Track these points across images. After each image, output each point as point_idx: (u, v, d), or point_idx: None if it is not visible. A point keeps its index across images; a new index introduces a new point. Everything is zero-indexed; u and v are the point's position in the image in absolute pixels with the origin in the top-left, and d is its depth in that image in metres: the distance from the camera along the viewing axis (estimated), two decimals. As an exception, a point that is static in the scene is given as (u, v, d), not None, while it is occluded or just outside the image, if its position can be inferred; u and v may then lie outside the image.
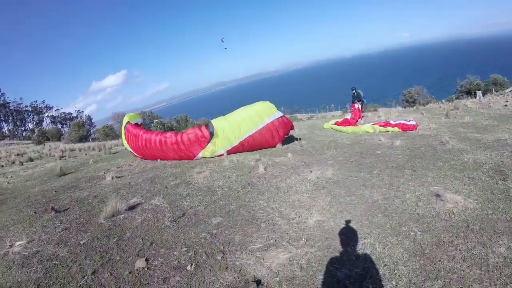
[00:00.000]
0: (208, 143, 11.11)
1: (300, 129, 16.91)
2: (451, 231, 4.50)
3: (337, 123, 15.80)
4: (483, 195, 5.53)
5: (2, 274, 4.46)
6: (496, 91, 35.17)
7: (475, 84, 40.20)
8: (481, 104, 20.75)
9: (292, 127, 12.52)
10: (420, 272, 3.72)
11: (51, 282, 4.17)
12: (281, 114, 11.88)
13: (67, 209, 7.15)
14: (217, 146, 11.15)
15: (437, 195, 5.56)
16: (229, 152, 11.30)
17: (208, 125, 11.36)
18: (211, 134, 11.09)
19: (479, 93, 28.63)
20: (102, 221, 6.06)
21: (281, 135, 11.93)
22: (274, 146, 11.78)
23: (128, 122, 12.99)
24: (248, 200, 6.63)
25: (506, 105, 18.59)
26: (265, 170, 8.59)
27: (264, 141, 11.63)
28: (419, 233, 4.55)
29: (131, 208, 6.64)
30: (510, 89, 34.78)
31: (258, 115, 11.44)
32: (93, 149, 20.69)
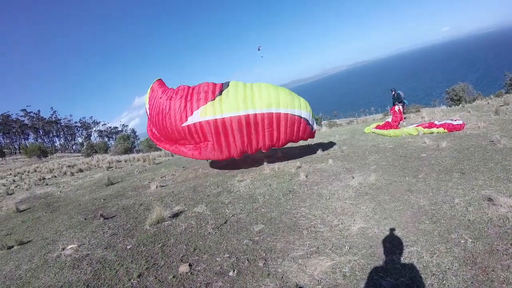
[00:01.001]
0: (214, 99, 9.77)
1: (340, 134, 16.67)
2: (506, 238, 4.22)
3: (378, 127, 15.40)
4: None
5: (55, 275, 4.83)
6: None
7: None
8: (534, 98, 19.40)
9: (311, 135, 11.62)
10: (472, 282, 3.53)
11: (100, 283, 4.42)
12: (305, 115, 10.73)
13: (115, 216, 7.58)
14: (219, 107, 9.70)
15: (489, 199, 5.24)
16: (239, 123, 9.83)
17: (225, 83, 10.28)
18: (221, 92, 9.88)
19: None
20: (148, 228, 6.34)
21: (301, 135, 10.97)
22: (296, 141, 11.12)
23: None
24: (289, 207, 6.62)
25: None
26: (306, 177, 8.56)
27: (286, 132, 10.44)
28: (470, 240, 4.31)
29: (175, 215, 6.89)
30: None
31: (283, 100, 10.17)
32: (138, 160, 21.60)
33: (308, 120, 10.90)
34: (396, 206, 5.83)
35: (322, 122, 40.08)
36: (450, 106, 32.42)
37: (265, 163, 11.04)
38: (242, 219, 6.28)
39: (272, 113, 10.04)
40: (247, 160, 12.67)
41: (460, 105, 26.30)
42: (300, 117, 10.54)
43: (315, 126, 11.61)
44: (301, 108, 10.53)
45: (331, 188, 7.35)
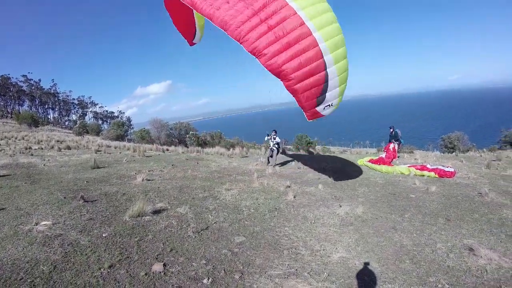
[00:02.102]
0: None
1: (333, 162, 16.69)
2: (482, 290, 4.24)
3: (371, 161, 15.47)
4: None
5: (23, 248, 4.67)
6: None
7: None
8: (526, 157, 19.68)
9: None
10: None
11: (68, 267, 4.30)
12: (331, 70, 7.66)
13: (95, 200, 7.42)
14: None
15: (471, 249, 5.30)
16: None
17: None
18: None
19: None
20: (127, 219, 6.21)
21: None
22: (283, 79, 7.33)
23: None
24: (273, 224, 6.59)
25: None
26: (294, 197, 8.55)
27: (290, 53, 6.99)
28: (447, 286, 4.33)
29: (157, 212, 6.78)
30: None
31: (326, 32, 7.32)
32: (128, 149, 21.25)
33: (327, 76, 7.60)
34: (379, 241, 5.84)
35: (316, 147, 40.23)
36: (443, 153, 32.73)
37: (255, 177, 11.02)
38: (224, 228, 6.21)
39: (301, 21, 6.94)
40: (237, 171, 12.63)
41: (454, 153, 26.60)
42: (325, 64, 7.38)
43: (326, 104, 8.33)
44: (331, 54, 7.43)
45: (317, 213, 7.35)
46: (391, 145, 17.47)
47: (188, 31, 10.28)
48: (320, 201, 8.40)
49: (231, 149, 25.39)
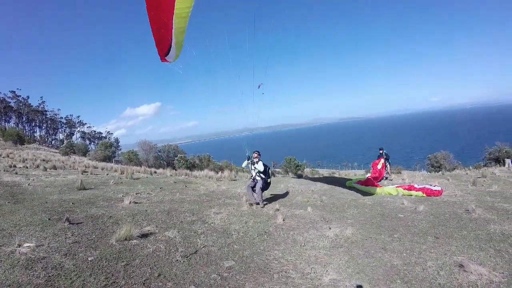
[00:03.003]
0: None
1: (321, 184, 16.74)
2: (474, 306, 4.22)
3: (359, 182, 15.56)
4: (510, 268, 5.24)
5: (4, 271, 4.45)
6: (526, 160, 33.82)
7: (504, 151, 38.85)
8: (510, 173, 20.13)
9: None
10: None
11: (51, 291, 4.10)
12: None
13: (81, 223, 7.23)
14: None
15: (461, 266, 5.30)
16: None
17: None
18: None
19: (508, 161, 27.76)
20: (114, 243, 6.04)
21: None
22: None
23: None
24: (263, 248, 6.52)
25: None
26: (283, 220, 8.50)
27: None
28: (440, 304, 4.29)
29: (144, 235, 6.63)
30: None
31: None
32: (115, 170, 21.02)
33: None
34: (369, 262, 5.80)
35: (305, 170, 40.45)
36: (430, 172, 33.25)
37: (244, 200, 10.99)
38: (213, 252, 6.11)
39: None
40: (226, 194, 12.55)
41: (440, 172, 27.01)
42: None
43: None
44: None
45: (307, 236, 7.30)
46: (380, 163, 17.65)
47: (162, 43, 8.75)
48: (310, 223, 8.36)
49: (220, 172, 25.35)
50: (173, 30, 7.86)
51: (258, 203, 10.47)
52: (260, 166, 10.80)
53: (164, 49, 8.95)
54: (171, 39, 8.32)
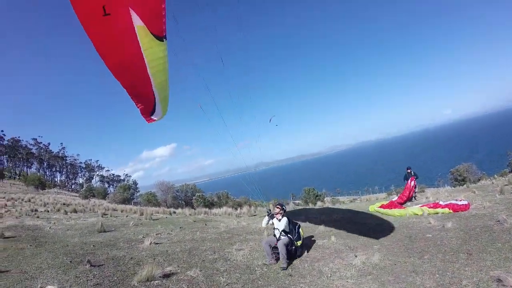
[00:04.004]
0: None
1: (344, 212, 16.39)
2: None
3: (382, 206, 15.20)
4: None
5: None
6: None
7: None
8: (539, 177, 19.35)
9: None
10: None
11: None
12: None
13: (102, 265, 7.18)
14: None
15: (499, 280, 5.05)
16: None
17: None
18: None
19: None
20: (136, 284, 5.95)
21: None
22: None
23: None
24: (288, 282, 6.34)
25: None
26: (307, 252, 8.32)
27: None
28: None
29: (166, 276, 6.51)
30: None
31: None
32: (135, 212, 21.10)
33: None
34: (401, 287, 5.54)
35: (325, 199, 39.89)
36: (454, 187, 32.30)
37: (265, 234, 10.84)
38: (237, 290, 5.94)
39: None
40: (247, 230, 12.36)
41: (465, 185, 26.19)
42: None
43: None
44: None
45: (333, 266, 7.08)
46: (412, 183, 17.23)
47: (144, 100, 7.50)
48: (335, 253, 8.11)
49: (239, 208, 25.19)
50: (153, 86, 6.86)
51: (282, 267, 7.34)
52: (283, 224, 8.25)
53: (148, 107, 7.66)
54: (154, 94, 7.24)
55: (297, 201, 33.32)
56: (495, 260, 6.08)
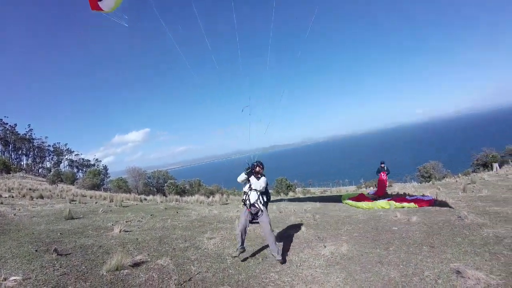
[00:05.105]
0: None
1: (314, 203, 16.71)
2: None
3: (352, 199, 15.61)
4: (507, 270, 5.30)
5: None
6: (513, 162, 34.69)
7: (491, 156, 39.82)
8: (498, 176, 20.56)
9: None
10: None
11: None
12: None
13: (70, 254, 6.94)
14: None
15: (458, 272, 5.32)
16: None
17: None
18: None
19: (495, 165, 28.43)
20: (104, 273, 5.82)
21: None
22: None
23: None
24: (258, 271, 6.42)
25: None
26: (277, 242, 8.39)
27: None
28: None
29: (136, 264, 6.40)
30: None
31: None
32: (104, 198, 20.62)
33: None
34: (367, 277, 5.75)
35: (297, 189, 40.43)
36: (421, 183, 33.56)
37: (237, 223, 10.81)
38: (207, 278, 5.97)
39: None
40: (218, 218, 12.40)
41: (430, 182, 27.27)
42: None
43: None
44: None
45: (303, 256, 7.22)
46: (384, 177, 17.70)
47: None
48: (304, 243, 8.28)
49: (211, 196, 25.15)
50: None
51: (280, 259, 6.87)
52: (262, 182, 7.44)
53: None
54: None
55: (270, 191, 33.65)
56: (455, 253, 6.40)
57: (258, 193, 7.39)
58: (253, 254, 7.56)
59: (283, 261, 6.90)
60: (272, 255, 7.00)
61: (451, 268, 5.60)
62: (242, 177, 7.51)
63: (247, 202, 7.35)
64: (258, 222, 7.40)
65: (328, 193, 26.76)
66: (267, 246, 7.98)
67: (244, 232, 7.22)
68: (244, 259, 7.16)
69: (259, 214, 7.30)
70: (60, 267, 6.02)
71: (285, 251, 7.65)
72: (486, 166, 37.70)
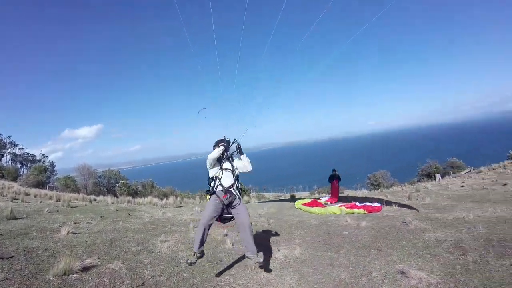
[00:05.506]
0: None
1: (268, 207, 16.93)
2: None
3: (305, 204, 16.00)
4: (445, 270, 5.72)
5: None
6: (454, 173, 37.47)
7: (434, 167, 42.87)
8: (440, 186, 22.07)
9: None
10: None
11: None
12: None
13: (12, 257, 6.38)
14: None
15: (402, 272, 5.69)
16: None
17: None
18: None
19: (438, 176, 30.59)
20: (51, 278, 5.44)
21: None
22: None
23: None
24: (213, 274, 6.42)
25: (462, 186, 20.21)
26: (232, 245, 8.44)
27: None
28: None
29: (86, 269, 6.04)
30: (466, 171, 37.13)
31: None
32: (50, 197, 19.17)
33: None
34: (319, 278, 5.96)
35: (251, 194, 40.65)
36: (370, 190, 35.10)
37: (191, 227, 10.75)
38: (161, 283, 5.85)
39: None
40: (172, 221, 12.21)
41: (379, 189, 28.66)
42: None
43: None
44: None
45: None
46: (336, 184, 18.37)
47: None
48: (259, 247, 8.38)
49: (165, 199, 24.58)
50: None
51: (260, 262, 5.87)
52: (246, 161, 6.36)
53: None
54: None
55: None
56: (400, 255, 6.82)
57: (235, 176, 6.23)
58: (208, 257, 7.53)
59: (264, 264, 6.11)
60: (248, 257, 5.96)
61: (396, 269, 5.96)
62: (218, 152, 6.11)
63: (218, 188, 6.02)
64: (229, 219, 6.26)
65: (282, 198, 27.23)
66: (223, 248, 8.02)
67: (207, 228, 5.88)
68: (199, 263, 7.11)
69: (234, 203, 6.00)
70: (2, 272, 5.57)
71: (240, 254, 7.67)
72: (430, 176, 40.35)
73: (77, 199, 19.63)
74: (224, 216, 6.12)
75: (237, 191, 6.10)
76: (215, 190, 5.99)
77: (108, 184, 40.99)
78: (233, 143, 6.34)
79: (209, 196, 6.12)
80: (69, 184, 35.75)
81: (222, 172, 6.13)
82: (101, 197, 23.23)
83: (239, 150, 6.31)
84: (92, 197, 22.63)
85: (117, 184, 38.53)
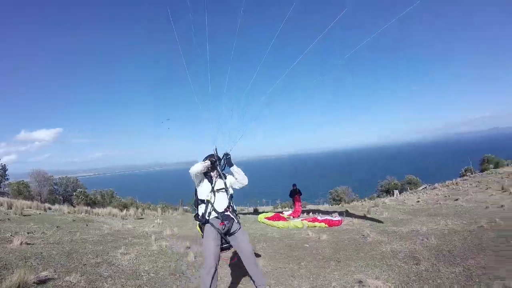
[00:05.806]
0: None
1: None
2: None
3: (268, 218, 16.14)
4: (400, 279, 6.06)
5: None
6: (410, 190, 39.20)
7: (393, 183, 44.81)
8: (397, 201, 23.08)
9: None
10: None
11: None
12: None
13: None
14: None
15: (360, 282, 5.96)
16: None
17: None
18: None
19: (396, 191, 32.06)
20: None
21: None
22: None
23: None
24: None
25: (418, 201, 21.40)
26: (195, 258, 8.35)
27: None
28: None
29: (42, 282, 5.70)
30: (422, 187, 38.96)
31: None
32: (1, 205, 17.92)
33: None
34: (280, 289, 6.08)
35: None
36: (332, 205, 35.90)
37: (153, 239, 10.56)
38: (122, 297, 5.75)
39: None
40: (133, 233, 11.92)
41: (340, 204, 29.47)
42: None
43: None
44: None
45: (220, 271, 7.27)
46: (298, 198, 18.77)
47: None
48: (222, 260, 8.41)
49: (125, 210, 23.79)
50: None
51: None
52: (240, 172, 5.37)
53: None
54: None
55: (186, 207, 32.78)
56: (359, 266, 7.12)
57: (229, 195, 5.25)
58: (170, 270, 7.44)
59: None
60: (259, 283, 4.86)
61: (355, 278, 6.22)
62: (199, 166, 5.00)
63: (211, 214, 4.98)
64: (228, 247, 5.12)
65: (245, 211, 27.22)
66: (185, 261, 7.95)
67: (217, 269, 4.69)
68: (161, 276, 7.01)
69: (232, 230, 4.98)
70: None
71: (202, 266, 7.66)
72: (389, 192, 42.03)
73: (30, 207, 18.48)
74: (223, 246, 5.01)
75: (234, 214, 5.13)
76: (207, 218, 4.92)
77: (64, 192, 39.07)
78: (223, 157, 5.32)
79: (199, 227, 5.19)
80: (22, 190, 33.66)
81: (215, 195, 5.08)
82: (56, 206, 21.99)
83: (228, 162, 5.26)
84: (47, 205, 21.37)
85: (75, 193, 36.81)
